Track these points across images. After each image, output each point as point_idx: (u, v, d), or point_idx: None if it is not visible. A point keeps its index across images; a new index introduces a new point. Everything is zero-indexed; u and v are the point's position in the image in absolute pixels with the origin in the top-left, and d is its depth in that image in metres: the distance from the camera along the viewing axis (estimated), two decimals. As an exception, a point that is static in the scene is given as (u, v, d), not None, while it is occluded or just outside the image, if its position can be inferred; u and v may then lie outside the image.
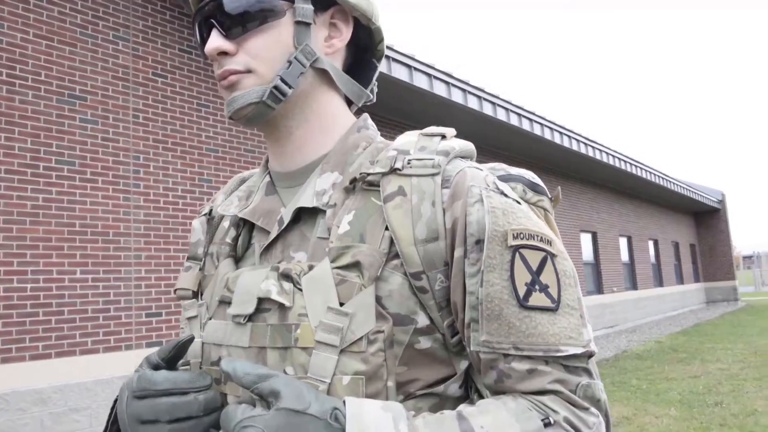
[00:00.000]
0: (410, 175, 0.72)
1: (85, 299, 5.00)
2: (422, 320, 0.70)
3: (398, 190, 0.72)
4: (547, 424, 0.63)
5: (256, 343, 0.71)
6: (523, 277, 0.67)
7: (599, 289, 14.04)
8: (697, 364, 8.73)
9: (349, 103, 0.89)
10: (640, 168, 14.56)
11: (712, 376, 7.55)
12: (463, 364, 0.73)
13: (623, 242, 16.00)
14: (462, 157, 0.77)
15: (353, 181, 0.75)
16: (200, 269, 0.86)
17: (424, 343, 0.70)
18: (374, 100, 0.91)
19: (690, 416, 5.58)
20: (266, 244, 0.78)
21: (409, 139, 0.78)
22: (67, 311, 4.88)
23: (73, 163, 5.08)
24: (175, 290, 0.86)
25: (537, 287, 0.67)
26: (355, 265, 0.69)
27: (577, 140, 11.37)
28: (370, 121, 0.86)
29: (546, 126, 10.29)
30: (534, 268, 0.68)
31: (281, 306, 0.70)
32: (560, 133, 10.77)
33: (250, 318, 0.72)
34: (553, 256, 0.70)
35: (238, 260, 0.82)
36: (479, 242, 0.68)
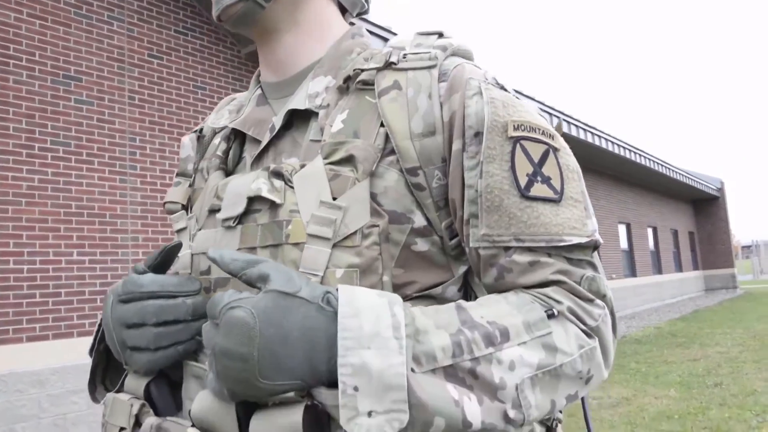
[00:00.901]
0: (406, 69, 0.69)
1: (82, 281, 4.97)
2: (419, 220, 0.67)
3: (393, 84, 0.69)
4: (550, 316, 0.60)
5: (245, 244, 0.67)
6: (524, 167, 0.64)
7: (598, 276, 14.04)
8: (696, 348, 8.73)
9: (343, 11, 0.85)
10: (640, 155, 14.53)
11: (711, 359, 7.55)
12: (462, 269, 0.70)
13: (622, 229, 15.99)
14: (460, 56, 0.74)
15: (347, 79, 0.72)
16: (190, 185, 0.83)
17: (422, 245, 0.67)
18: (368, 11, 0.88)
19: (689, 396, 5.57)
20: (257, 152, 0.75)
21: (404, 37, 0.75)
22: (64, 293, 4.86)
23: (68, 143, 5.03)
24: (164, 203, 0.83)
25: (539, 178, 0.64)
26: (349, 160, 0.65)
27: (576, 126, 11.33)
28: (365, 30, 0.82)
29: (544, 111, 10.26)
30: (536, 160, 0.65)
31: (272, 205, 0.67)
32: (558, 118, 10.73)
33: (240, 220, 0.69)
34: (555, 150, 0.67)
35: (228, 174, 0.79)
36: (478, 134, 0.65)
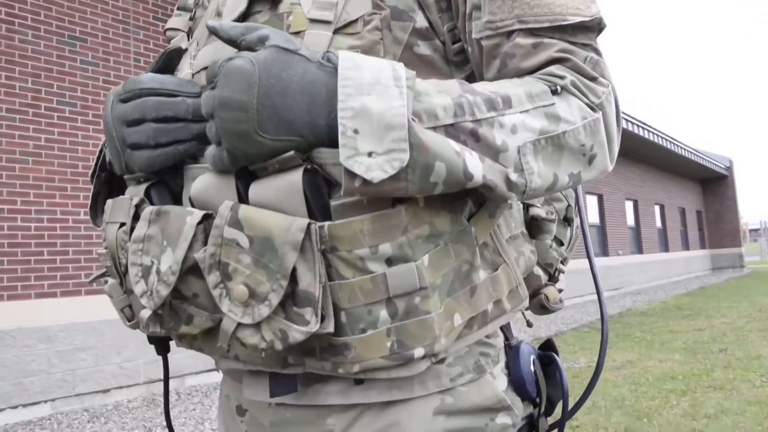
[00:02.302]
0: None
1: (89, 240, 5.01)
2: (420, 20, 0.66)
3: None
4: (554, 92, 0.59)
5: None
6: None
7: (605, 252, 14.02)
8: (702, 319, 8.73)
9: None
10: (648, 131, 14.42)
11: (717, 329, 7.55)
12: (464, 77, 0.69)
13: (629, 206, 15.92)
14: None
15: None
16: (190, 18, 0.82)
17: (424, 48, 0.66)
18: None
19: (694, 360, 5.58)
20: None
21: None
22: (71, 251, 4.89)
23: (74, 104, 5.04)
24: (164, 30, 0.82)
25: None
26: None
27: (584, 99, 11.24)
28: None
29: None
30: None
31: (273, 3, 0.66)
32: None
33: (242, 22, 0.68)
34: None
35: None
36: None
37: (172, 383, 5.39)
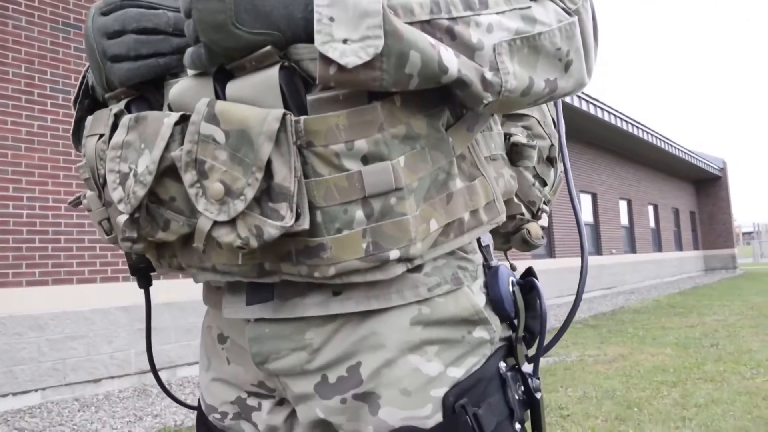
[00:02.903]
0: None
1: (81, 228, 4.99)
2: None
3: None
4: None
5: None
6: None
7: (598, 251, 14.05)
8: (694, 316, 8.76)
9: None
10: (643, 130, 14.47)
11: (709, 326, 7.58)
12: None
13: (623, 205, 15.97)
14: None
15: None
16: None
17: None
18: None
19: (686, 354, 5.60)
20: None
21: None
22: (63, 239, 4.87)
23: (67, 92, 5.02)
24: None
25: None
26: None
27: (579, 97, 11.27)
28: None
29: (547, 80, 10.19)
30: None
31: None
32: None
33: None
34: None
35: None
36: None
37: (163, 374, 5.37)
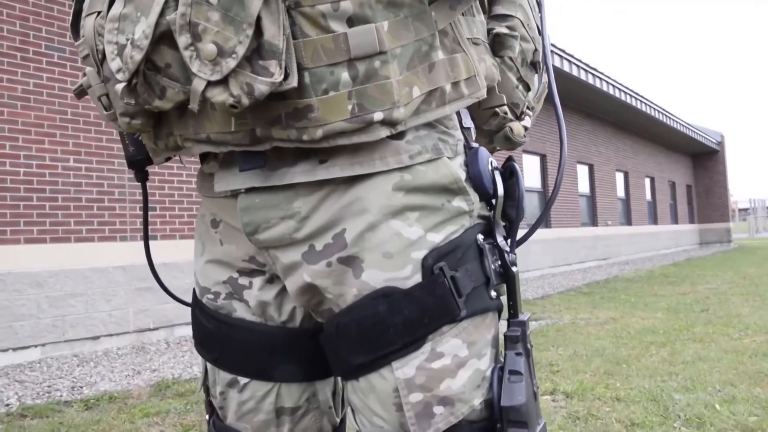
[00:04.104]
0: None
1: (78, 188, 5.01)
2: None
3: None
4: None
5: None
6: None
7: (594, 222, 14.12)
8: (687, 285, 8.86)
9: None
10: (642, 101, 14.43)
11: (700, 294, 7.67)
12: None
13: (620, 177, 16.00)
14: None
15: None
16: None
17: None
18: None
19: (676, 318, 5.69)
20: None
21: None
22: (61, 198, 4.90)
23: (63, 50, 5.00)
24: None
25: None
26: None
27: (578, 66, 11.21)
28: None
29: (546, 48, 10.11)
30: None
31: None
32: (560, 56, 10.61)
33: None
34: None
35: None
36: None
37: (161, 333, 5.45)
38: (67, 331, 4.83)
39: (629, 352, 4.22)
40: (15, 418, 3.12)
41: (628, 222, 16.23)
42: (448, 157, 0.71)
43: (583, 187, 13.87)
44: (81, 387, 3.79)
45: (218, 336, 0.81)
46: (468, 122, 0.78)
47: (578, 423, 2.72)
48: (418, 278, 0.67)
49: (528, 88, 0.90)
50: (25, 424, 2.99)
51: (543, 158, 12.06)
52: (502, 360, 0.71)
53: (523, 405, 0.66)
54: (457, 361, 0.67)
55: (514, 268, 0.72)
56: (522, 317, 0.72)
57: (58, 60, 4.93)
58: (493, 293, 0.70)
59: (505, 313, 0.75)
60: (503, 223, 0.75)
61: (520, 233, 0.77)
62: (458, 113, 0.76)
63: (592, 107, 13.75)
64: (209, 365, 0.85)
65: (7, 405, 3.40)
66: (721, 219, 22.51)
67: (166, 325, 5.46)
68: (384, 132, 0.63)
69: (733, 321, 5.33)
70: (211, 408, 0.89)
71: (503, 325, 0.73)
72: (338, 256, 0.68)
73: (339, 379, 0.89)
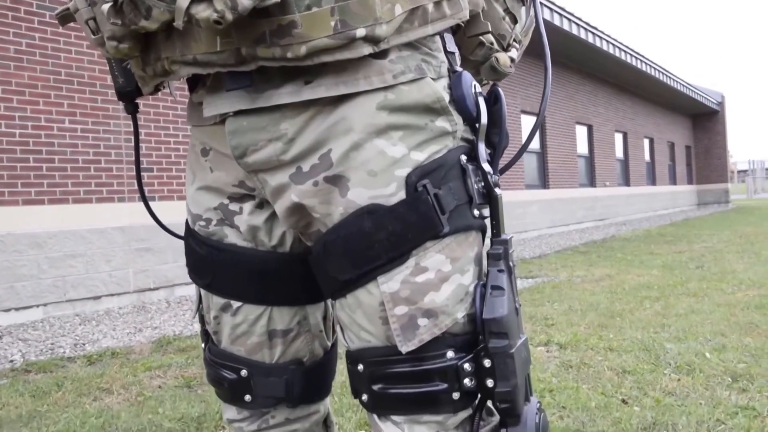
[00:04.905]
0: None
1: (75, 149, 5.00)
2: None
3: None
4: None
5: None
6: None
7: (592, 183, 14.13)
8: (683, 244, 8.92)
9: None
10: (642, 61, 14.28)
11: (696, 252, 7.73)
12: None
13: (619, 138, 15.95)
14: None
15: None
16: None
17: None
18: None
19: (671, 275, 5.75)
20: None
21: None
22: (57, 159, 4.89)
23: (54, 8, 4.92)
24: None
25: None
26: None
27: (577, 24, 11.07)
28: None
29: (545, 5, 9.98)
30: None
31: None
32: (560, 15, 10.47)
33: None
34: None
35: None
36: None
37: (162, 293, 5.51)
38: (68, 291, 4.88)
39: (623, 306, 4.28)
40: (19, 373, 3.18)
41: (627, 183, 16.24)
42: (432, 78, 0.72)
43: (582, 148, 13.84)
44: (83, 344, 3.86)
45: (210, 261, 0.84)
46: (452, 47, 0.79)
47: (570, 371, 2.78)
48: (402, 195, 0.69)
49: (515, 21, 0.90)
50: (30, 379, 3.06)
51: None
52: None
53: (504, 317, 0.69)
54: (440, 275, 0.69)
55: (497, 190, 0.73)
56: (504, 237, 0.74)
57: (50, 20, 4.86)
58: (476, 212, 0.72)
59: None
60: (488, 151, 0.76)
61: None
62: (442, 38, 0.77)
63: (592, 67, 13.63)
64: (203, 292, 0.88)
65: (12, 361, 3.46)
66: (719, 180, 22.51)
67: (166, 285, 5.52)
68: (367, 49, 0.64)
69: (728, 277, 5.39)
70: (206, 336, 0.92)
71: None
72: (324, 175, 0.70)
73: (329, 304, 0.91)
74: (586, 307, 4.28)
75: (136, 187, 5.37)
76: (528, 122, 11.39)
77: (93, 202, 5.10)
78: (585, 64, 13.27)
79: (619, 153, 16.01)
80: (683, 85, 17.65)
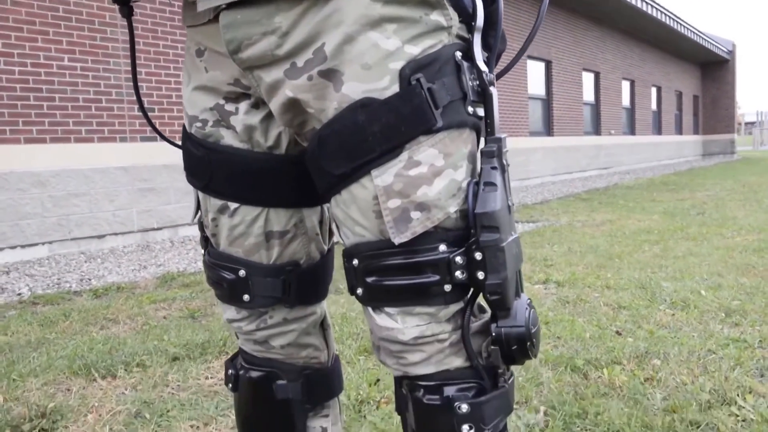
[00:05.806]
0: None
1: (75, 87, 4.96)
2: None
3: None
4: None
5: None
6: None
7: (597, 131, 14.01)
8: (686, 192, 8.91)
9: None
10: (653, 6, 13.94)
11: (698, 199, 7.73)
12: None
13: (626, 86, 15.72)
14: None
15: None
16: None
17: None
18: None
19: (672, 220, 5.77)
20: None
21: None
22: (58, 98, 4.86)
23: (50, -58, 4.81)
24: None
25: None
26: None
27: (587, -34, 10.76)
28: None
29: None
30: None
31: None
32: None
33: None
34: None
35: None
36: None
37: (166, 233, 5.56)
38: (73, 230, 4.93)
39: (622, 249, 4.32)
40: (27, 305, 3.25)
41: (632, 132, 16.10)
42: None
43: (588, 95, 13.66)
44: (89, 279, 3.92)
45: (207, 163, 0.85)
46: None
47: (567, 306, 2.83)
48: (395, 88, 0.69)
49: None
50: (38, 310, 3.12)
51: (548, 64, 11.81)
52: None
53: (496, 212, 0.70)
54: (433, 169, 0.70)
55: (491, 89, 0.73)
56: (498, 135, 0.74)
57: (45, -48, 4.75)
58: (470, 109, 0.72)
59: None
60: (485, 54, 0.76)
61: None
62: None
63: (600, 12, 13.31)
64: (200, 195, 0.89)
65: (19, 294, 3.53)
66: (726, 130, 22.29)
67: (169, 225, 5.57)
68: None
69: (728, 223, 5.41)
70: (206, 242, 0.94)
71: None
72: (318, 69, 0.70)
73: (325, 208, 0.93)
74: (585, 249, 4.32)
75: (138, 126, 5.36)
76: (534, 67, 11.22)
77: (95, 142, 5.09)
78: (593, 9, 12.95)
79: (626, 101, 15.81)
80: (694, 33, 17.27)
